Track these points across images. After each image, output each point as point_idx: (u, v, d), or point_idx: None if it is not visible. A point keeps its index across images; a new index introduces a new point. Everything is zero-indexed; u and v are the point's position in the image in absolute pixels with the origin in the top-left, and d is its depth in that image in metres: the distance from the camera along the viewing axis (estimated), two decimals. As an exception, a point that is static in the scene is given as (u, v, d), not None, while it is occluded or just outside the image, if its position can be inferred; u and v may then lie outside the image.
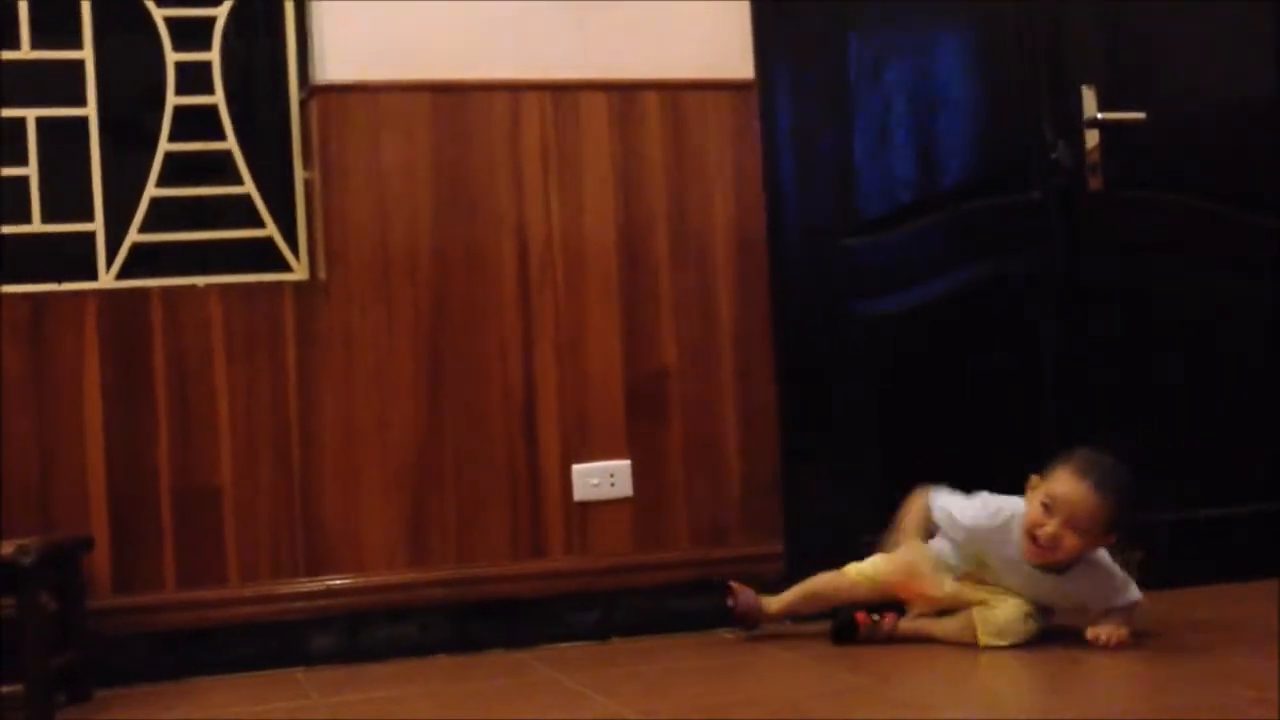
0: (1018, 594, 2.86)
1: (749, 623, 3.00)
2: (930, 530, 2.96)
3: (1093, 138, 3.42)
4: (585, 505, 3.16)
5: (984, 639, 2.84)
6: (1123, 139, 3.44)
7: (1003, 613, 2.84)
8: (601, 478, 3.16)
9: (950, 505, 2.90)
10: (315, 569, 3.03)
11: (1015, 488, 3.27)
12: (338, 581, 3.04)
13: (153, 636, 2.94)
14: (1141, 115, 3.43)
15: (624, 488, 3.17)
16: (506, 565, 3.12)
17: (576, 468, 3.15)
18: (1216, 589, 3.31)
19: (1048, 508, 2.76)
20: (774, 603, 3.01)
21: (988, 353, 3.38)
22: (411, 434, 3.08)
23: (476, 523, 3.11)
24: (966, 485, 3.29)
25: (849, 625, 2.92)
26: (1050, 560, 2.79)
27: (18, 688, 2.61)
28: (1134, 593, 2.85)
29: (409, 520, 3.08)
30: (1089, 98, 3.42)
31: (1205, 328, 3.50)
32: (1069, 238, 3.42)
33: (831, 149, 3.33)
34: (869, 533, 3.04)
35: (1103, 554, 2.84)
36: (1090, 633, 2.81)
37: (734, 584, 3.01)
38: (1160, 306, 3.47)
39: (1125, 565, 3.35)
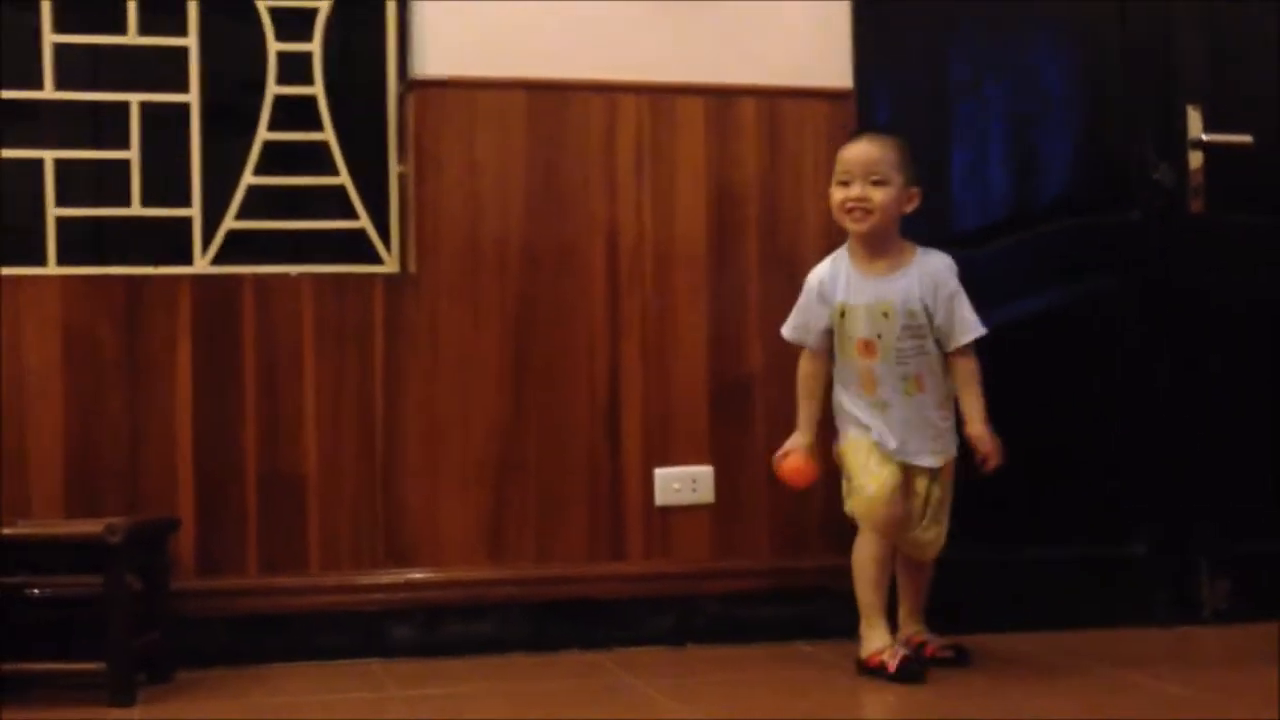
0: (873, 318, 2.86)
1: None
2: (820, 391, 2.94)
3: (1197, 159, 3.36)
4: (666, 510, 3.15)
5: (848, 507, 2.89)
6: (1227, 161, 3.37)
7: (870, 487, 2.83)
8: (683, 482, 3.15)
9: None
10: (396, 561, 3.05)
11: (1103, 512, 3.25)
12: (417, 575, 3.05)
13: (233, 620, 2.97)
14: (1248, 138, 3.36)
15: (706, 493, 3.16)
16: (585, 566, 3.11)
17: (658, 471, 3.15)
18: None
19: (844, 182, 2.89)
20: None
21: (1079, 372, 3.34)
22: (495, 429, 3.09)
23: (556, 522, 3.11)
24: (1051, 501, 3.27)
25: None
26: (870, 221, 2.86)
27: (101, 665, 2.64)
28: (970, 333, 2.88)
29: (489, 516, 3.08)
30: (1194, 119, 3.36)
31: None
32: (1167, 259, 3.37)
33: (927, 161, 3.29)
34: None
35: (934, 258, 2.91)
36: (973, 431, 2.85)
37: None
38: (1259, 331, 3.40)
39: (1213, 595, 3.32)
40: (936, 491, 2.90)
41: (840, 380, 2.94)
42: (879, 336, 2.87)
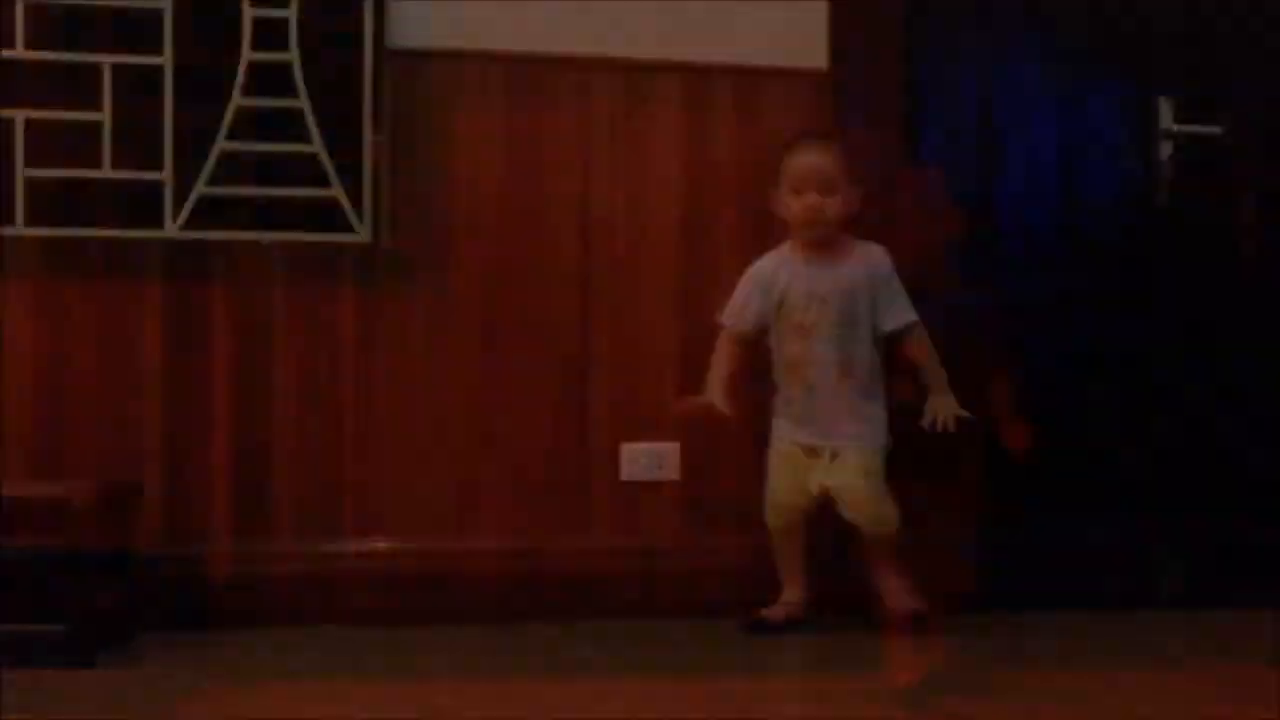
0: (811, 303, 3.00)
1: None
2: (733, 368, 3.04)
3: (1166, 149, 3.38)
4: (632, 485, 3.16)
5: None
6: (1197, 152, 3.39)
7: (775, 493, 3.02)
8: (650, 458, 3.17)
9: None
10: (362, 530, 3.05)
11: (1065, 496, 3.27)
12: (383, 544, 3.06)
13: (197, 585, 2.97)
14: (1218, 129, 3.38)
15: (671, 470, 3.17)
16: (550, 539, 3.12)
17: (625, 447, 3.16)
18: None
19: (796, 190, 3.03)
20: None
21: (1045, 359, 3.36)
22: (464, 402, 3.10)
23: (522, 494, 3.12)
24: (1019, 485, 3.30)
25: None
26: (825, 228, 3.01)
27: (61, 628, 2.65)
28: (909, 314, 3.03)
29: (456, 487, 3.09)
30: (1165, 109, 3.37)
31: None
32: (1137, 248, 3.38)
33: (901, 144, 3.30)
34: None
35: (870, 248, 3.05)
36: (928, 414, 2.97)
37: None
38: (1230, 320, 3.43)
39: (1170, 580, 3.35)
40: (861, 473, 3.00)
41: (777, 374, 3.09)
42: (814, 322, 3.02)
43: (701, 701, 2.51)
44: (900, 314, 3.05)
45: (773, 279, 3.06)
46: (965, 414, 3.00)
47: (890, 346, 3.07)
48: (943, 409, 2.99)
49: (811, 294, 3.03)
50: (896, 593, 3.01)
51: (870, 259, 3.06)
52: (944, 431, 2.98)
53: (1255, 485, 3.42)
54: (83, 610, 2.66)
